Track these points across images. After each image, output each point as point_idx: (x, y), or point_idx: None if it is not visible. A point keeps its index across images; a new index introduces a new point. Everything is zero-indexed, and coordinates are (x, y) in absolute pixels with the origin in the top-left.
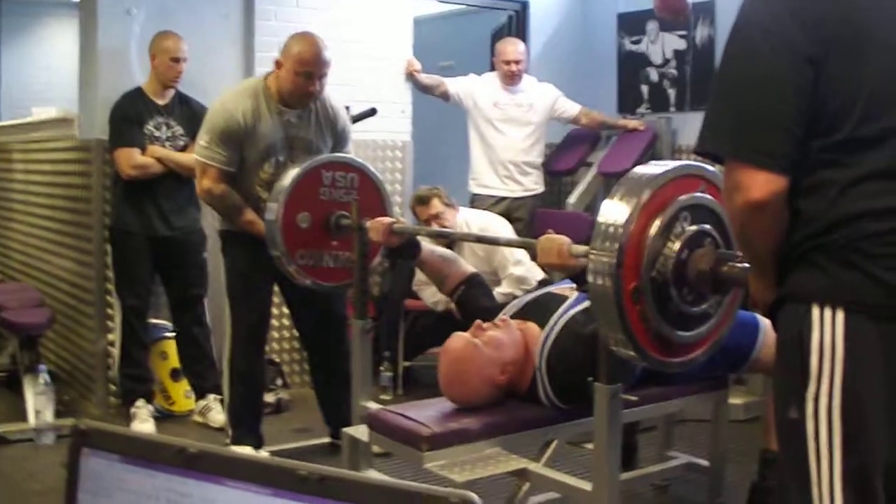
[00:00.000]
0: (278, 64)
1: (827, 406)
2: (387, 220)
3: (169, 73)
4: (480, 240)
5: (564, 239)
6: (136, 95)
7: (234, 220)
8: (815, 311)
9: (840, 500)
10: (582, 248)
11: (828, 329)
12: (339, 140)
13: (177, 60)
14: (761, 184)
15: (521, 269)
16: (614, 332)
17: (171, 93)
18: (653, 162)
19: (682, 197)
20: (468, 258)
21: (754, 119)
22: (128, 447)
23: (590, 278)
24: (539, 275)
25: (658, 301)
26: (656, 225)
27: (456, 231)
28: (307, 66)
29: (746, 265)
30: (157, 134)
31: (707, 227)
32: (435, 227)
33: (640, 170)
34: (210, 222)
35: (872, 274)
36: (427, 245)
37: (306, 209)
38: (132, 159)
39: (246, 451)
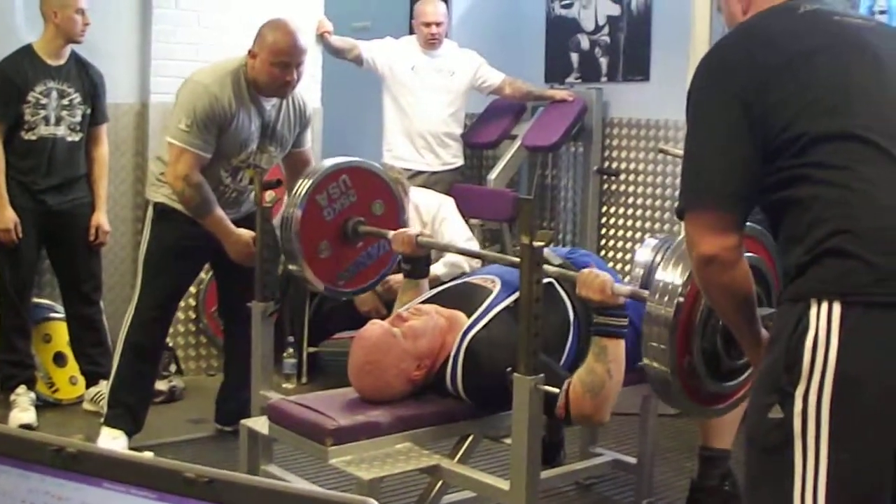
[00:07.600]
0: (252, 55)
1: (816, 402)
2: (412, 231)
3: (76, 28)
4: (514, 264)
5: (608, 276)
6: (24, 55)
7: (202, 214)
8: (813, 307)
9: (823, 496)
10: (625, 289)
11: (823, 324)
12: (303, 128)
13: (82, 12)
14: (710, 238)
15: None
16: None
17: (67, 53)
18: None
19: None
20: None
21: (701, 170)
22: None
23: (645, 329)
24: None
25: (708, 364)
26: None
27: (483, 252)
28: (283, 56)
29: None
30: (42, 101)
31: None
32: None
33: None
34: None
35: (865, 259)
36: None
37: (322, 238)
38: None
39: (117, 435)
